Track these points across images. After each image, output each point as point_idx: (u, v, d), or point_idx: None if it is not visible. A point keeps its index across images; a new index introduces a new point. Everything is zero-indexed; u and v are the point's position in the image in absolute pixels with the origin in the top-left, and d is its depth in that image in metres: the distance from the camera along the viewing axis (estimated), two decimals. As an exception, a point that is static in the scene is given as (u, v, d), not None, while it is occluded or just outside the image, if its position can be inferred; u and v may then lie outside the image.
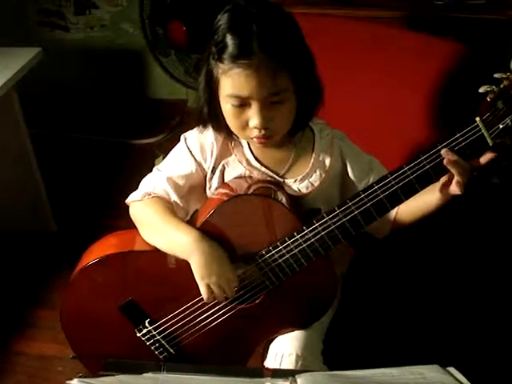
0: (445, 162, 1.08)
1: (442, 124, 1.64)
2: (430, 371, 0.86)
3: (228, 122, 1.21)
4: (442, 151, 1.08)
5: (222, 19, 1.13)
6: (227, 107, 1.17)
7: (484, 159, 1.09)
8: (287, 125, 1.21)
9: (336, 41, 1.81)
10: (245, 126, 1.18)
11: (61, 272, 2.31)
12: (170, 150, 1.35)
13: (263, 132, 1.17)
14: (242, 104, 1.15)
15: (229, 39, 1.10)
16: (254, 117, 1.15)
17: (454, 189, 1.13)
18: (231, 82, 1.12)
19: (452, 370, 0.87)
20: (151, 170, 1.34)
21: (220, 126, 1.24)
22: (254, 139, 1.21)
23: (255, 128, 1.17)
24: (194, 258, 1.19)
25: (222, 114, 1.20)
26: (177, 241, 1.21)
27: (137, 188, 1.33)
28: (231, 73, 1.11)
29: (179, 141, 1.33)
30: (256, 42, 1.08)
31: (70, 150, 3.31)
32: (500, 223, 2.22)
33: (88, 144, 3.36)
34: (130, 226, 1.32)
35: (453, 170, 1.09)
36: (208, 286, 1.20)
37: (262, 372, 0.93)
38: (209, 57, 1.16)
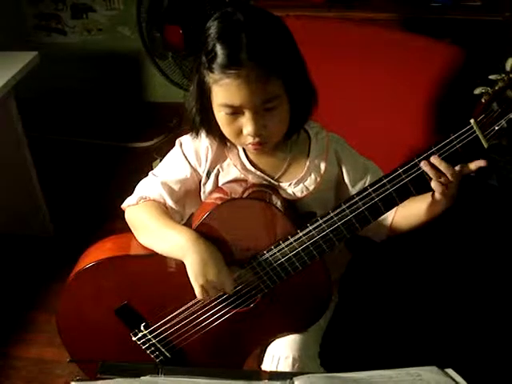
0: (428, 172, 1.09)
1: (439, 126, 1.65)
2: (428, 372, 0.86)
3: (222, 130, 1.21)
4: (422, 164, 1.08)
5: (212, 28, 1.13)
6: (220, 115, 1.18)
7: (474, 166, 1.09)
8: (281, 130, 1.21)
9: (332, 43, 1.81)
10: (239, 133, 1.18)
11: (58, 276, 2.29)
12: (168, 152, 1.35)
13: (257, 139, 1.18)
14: (235, 112, 1.15)
15: (218, 49, 1.10)
16: (247, 124, 1.15)
17: (439, 197, 1.14)
18: (222, 92, 1.12)
19: (450, 371, 0.87)
20: (148, 174, 1.34)
21: (214, 133, 1.25)
22: (249, 146, 1.21)
23: (249, 135, 1.17)
24: (189, 258, 1.18)
25: (216, 122, 1.20)
26: (172, 241, 1.20)
27: (133, 192, 1.33)
28: (222, 82, 1.11)
29: (174, 145, 1.33)
30: (245, 52, 1.08)
31: (67, 153, 3.31)
32: (497, 225, 2.22)
33: (85, 147, 3.36)
34: (128, 229, 1.33)
35: (434, 180, 1.09)
36: (202, 287, 1.19)
37: (259, 374, 0.93)
38: (199, 66, 1.16)
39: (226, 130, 1.20)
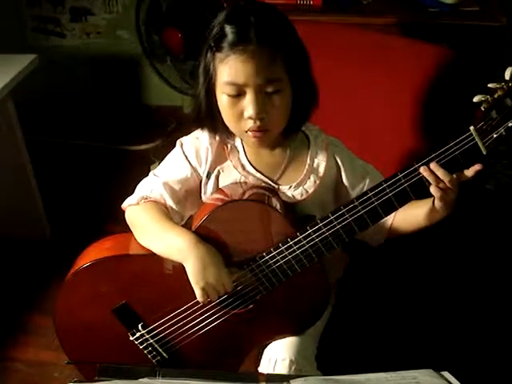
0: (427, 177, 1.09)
1: (434, 130, 1.65)
2: (424, 375, 0.86)
3: (223, 115, 1.22)
4: (421, 169, 1.09)
5: (221, 16, 1.17)
6: (223, 98, 1.18)
7: (471, 172, 1.10)
8: (282, 120, 1.22)
9: (329, 47, 1.81)
10: (240, 117, 1.19)
11: (56, 279, 2.29)
12: (166, 156, 1.36)
13: (258, 123, 1.17)
14: (238, 93, 1.16)
15: (227, 29, 1.13)
16: (249, 106, 1.16)
17: (438, 203, 1.14)
18: (228, 69, 1.14)
19: (446, 374, 0.88)
20: (148, 175, 1.35)
21: (216, 124, 1.25)
22: (249, 133, 1.21)
23: (250, 118, 1.17)
24: (189, 262, 1.19)
25: (218, 109, 1.21)
26: (172, 244, 1.21)
27: (133, 194, 1.33)
28: (228, 59, 1.13)
29: (175, 146, 1.34)
30: (253, 31, 1.11)
31: (65, 156, 3.30)
32: (494, 229, 2.23)
33: (84, 150, 3.36)
34: (126, 231, 1.32)
35: (432, 183, 1.10)
36: (203, 290, 1.20)
37: (257, 377, 0.93)
38: (207, 51, 1.18)
39: (227, 114, 1.21)
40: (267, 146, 1.29)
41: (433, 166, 1.08)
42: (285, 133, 1.26)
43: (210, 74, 1.19)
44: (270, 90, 1.15)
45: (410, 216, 1.28)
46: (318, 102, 1.26)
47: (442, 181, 1.09)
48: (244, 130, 1.22)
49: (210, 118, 1.26)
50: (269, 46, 1.12)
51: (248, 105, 1.16)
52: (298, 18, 2.14)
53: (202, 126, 1.29)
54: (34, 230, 2.64)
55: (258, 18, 1.13)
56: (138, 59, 3.32)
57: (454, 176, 1.09)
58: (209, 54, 1.18)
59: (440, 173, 1.08)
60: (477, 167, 1.09)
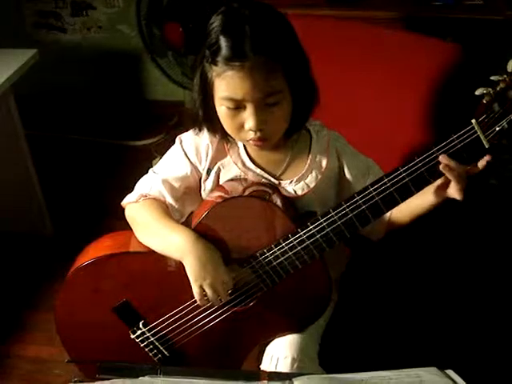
0: (441, 167, 1.07)
1: (438, 125, 1.64)
2: (428, 374, 0.86)
3: (223, 125, 1.20)
4: (440, 157, 1.07)
5: (216, 21, 1.13)
6: (222, 109, 1.17)
7: (481, 164, 1.08)
8: (283, 127, 1.21)
9: (332, 42, 1.81)
10: (240, 128, 1.18)
11: (57, 275, 2.29)
12: (168, 150, 1.35)
13: (258, 134, 1.17)
14: (237, 106, 1.14)
15: (222, 41, 1.10)
16: (248, 119, 1.14)
17: (454, 194, 1.13)
18: (225, 85, 1.12)
19: (450, 372, 0.87)
20: (148, 172, 1.34)
21: (215, 128, 1.24)
22: (250, 141, 1.20)
23: (250, 130, 1.16)
24: (188, 259, 1.18)
25: (218, 117, 1.20)
26: (171, 241, 1.20)
27: (133, 190, 1.32)
28: (225, 75, 1.10)
29: (174, 143, 1.33)
30: (249, 44, 1.08)
31: (66, 151, 3.30)
32: (497, 224, 2.22)
33: (85, 145, 3.36)
34: (127, 228, 1.32)
35: (450, 176, 1.08)
36: (201, 288, 1.19)
37: (258, 375, 0.92)
38: (203, 59, 1.15)
39: (227, 124, 1.19)
40: (269, 148, 1.28)
41: (445, 159, 1.07)
42: (286, 133, 1.25)
43: (208, 84, 1.16)
44: (269, 102, 1.13)
45: (406, 207, 1.26)
46: (319, 100, 1.24)
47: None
48: (245, 139, 1.21)
49: (208, 123, 1.25)
50: (266, 58, 1.09)
51: (248, 118, 1.14)
52: (300, 12, 2.14)
53: (200, 129, 1.28)
54: (35, 226, 2.64)
55: (254, 26, 1.09)
56: (138, 54, 3.32)
57: (467, 167, 1.08)
58: (205, 64, 1.15)
59: (451, 164, 1.07)
60: (487, 158, 1.07)
